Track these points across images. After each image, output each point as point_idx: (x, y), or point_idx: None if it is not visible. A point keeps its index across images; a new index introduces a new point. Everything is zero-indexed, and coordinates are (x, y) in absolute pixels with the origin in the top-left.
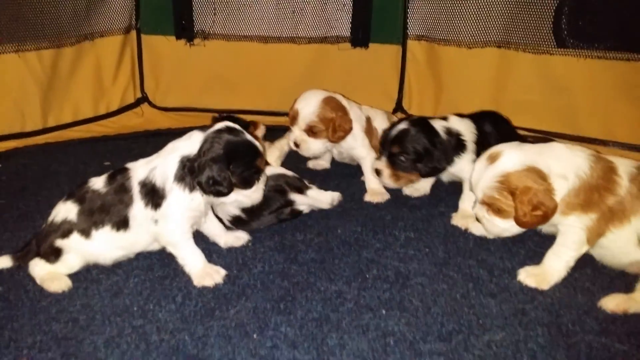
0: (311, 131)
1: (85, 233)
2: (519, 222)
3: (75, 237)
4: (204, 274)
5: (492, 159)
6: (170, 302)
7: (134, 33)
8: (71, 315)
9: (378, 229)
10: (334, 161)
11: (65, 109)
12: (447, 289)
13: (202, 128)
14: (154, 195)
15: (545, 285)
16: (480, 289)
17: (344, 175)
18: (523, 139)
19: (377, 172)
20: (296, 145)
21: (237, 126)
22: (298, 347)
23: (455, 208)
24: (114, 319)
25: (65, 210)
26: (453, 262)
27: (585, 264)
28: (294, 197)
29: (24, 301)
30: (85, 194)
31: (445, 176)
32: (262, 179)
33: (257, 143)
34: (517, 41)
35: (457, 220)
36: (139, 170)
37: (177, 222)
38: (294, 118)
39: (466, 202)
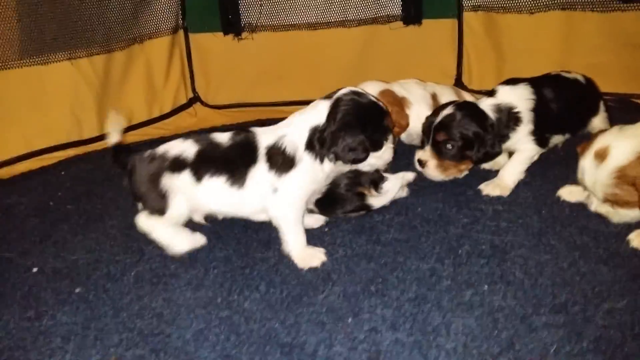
0: None
1: (198, 176)
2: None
3: (186, 176)
4: (307, 255)
5: (601, 156)
6: (254, 292)
7: (181, 33)
8: (154, 311)
9: (461, 203)
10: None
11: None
12: (551, 259)
13: (326, 96)
14: (282, 161)
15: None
16: (588, 256)
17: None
18: (595, 103)
19: (421, 164)
20: None
21: (359, 89)
22: (399, 329)
23: (541, 177)
24: (199, 312)
25: (182, 147)
26: (552, 231)
27: None
28: (372, 201)
29: (105, 300)
30: (208, 141)
31: None
32: (390, 139)
33: (381, 103)
34: (582, 1)
35: (488, 189)
36: (264, 135)
37: (297, 194)
38: None
39: (507, 174)
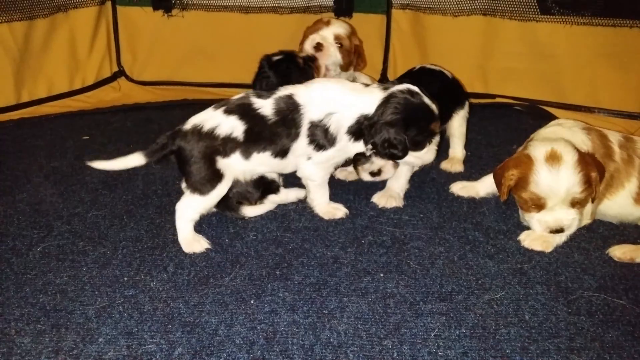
0: (339, 42)
1: (247, 154)
2: (597, 195)
3: (237, 156)
4: (331, 208)
5: (557, 160)
6: (162, 272)
7: (109, 4)
8: (59, 287)
9: (371, 196)
10: None
11: (39, 83)
12: (444, 252)
13: (384, 85)
14: (322, 139)
15: (549, 248)
16: (477, 250)
17: None
18: (460, 97)
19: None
20: (319, 46)
21: (416, 88)
22: (297, 311)
23: (446, 175)
24: (104, 290)
25: (231, 125)
26: (448, 226)
27: None
28: (246, 211)
29: (8, 274)
30: (251, 114)
31: None
32: (435, 141)
33: (433, 106)
34: (502, 8)
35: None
36: (312, 108)
37: (328, 164)
38: (325, 22)
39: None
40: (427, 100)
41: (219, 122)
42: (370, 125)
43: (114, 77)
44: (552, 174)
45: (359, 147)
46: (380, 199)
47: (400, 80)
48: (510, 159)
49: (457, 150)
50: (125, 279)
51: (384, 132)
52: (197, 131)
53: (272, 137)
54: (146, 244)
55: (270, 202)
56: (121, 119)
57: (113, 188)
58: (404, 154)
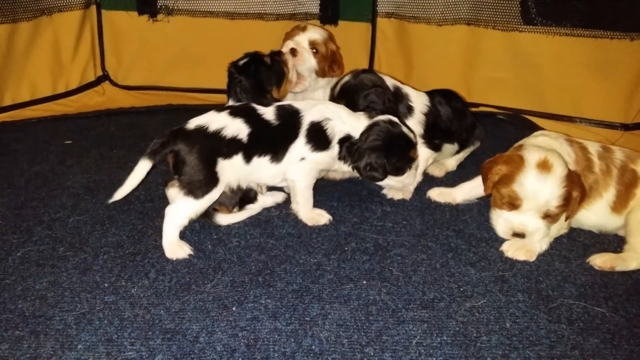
0: (314, 48)
1: (248, 157)
2: (572, 214)
3: (238, 159)
4: (315, 214)
5: (548, 169)
6: (143, 278)
7: (93, 8)
8: (38, 293)
9: (354, 203)
10: None
11: (22, 87)
12: (427, 259)
13: (369, 114)
14: (318, 139)
15: (533, 257)
16: (459, 258)
17: None
18: (471, 115)
19: None
20: (293, 52)
21: (396, 119)
22: (279, 318)
23: (429, 182)
24: (84, 296)
25: (236, 128)
26: (431, 234)
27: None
28: (219, 219)
29: None
30: (255, 118)
31: None
32: (414, 166)
33: (411, 135)
34: (486, 18)
35: (391, 193)
36: (310, 111)
37: (317, 168)
38: (301, 28)
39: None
40: (405, 130)
41: (226, 123)
42: (355, 149)
43: (98, 82)
44: (539, 180)
45: (344, 167)
46: (389, 191)
47: (431, 92)
48: (502, 156)
49: (450, 161)
50: (106, 285)
51: (366, 156)
52: (202, 132)
53: (273, 141)
54: (128, 249)
55: (248, 210)
56: (105, 124)
57: (95, 193)
58: (384, 177)
